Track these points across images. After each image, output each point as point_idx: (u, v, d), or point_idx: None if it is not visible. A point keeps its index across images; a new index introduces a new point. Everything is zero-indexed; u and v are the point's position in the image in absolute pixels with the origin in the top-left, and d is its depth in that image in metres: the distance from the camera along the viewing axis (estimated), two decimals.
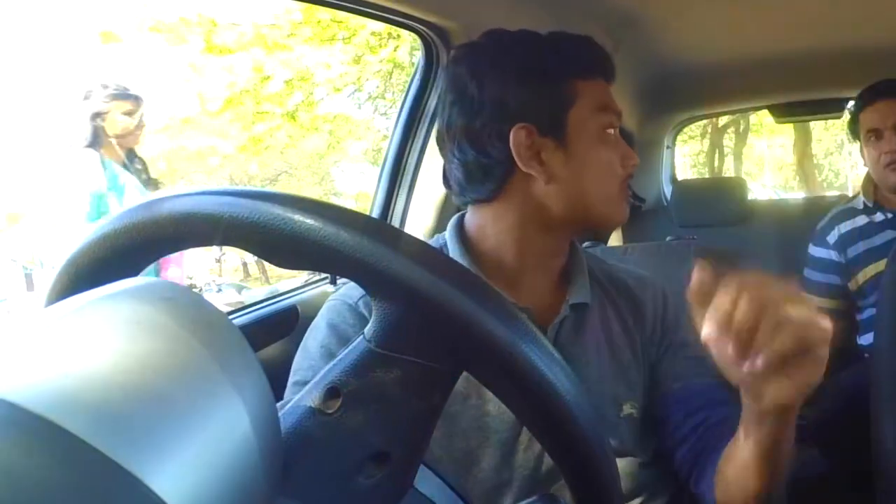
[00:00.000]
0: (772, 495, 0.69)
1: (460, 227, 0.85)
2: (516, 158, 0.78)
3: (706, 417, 0.79)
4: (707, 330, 0.53)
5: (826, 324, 0.54)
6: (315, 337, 0.78)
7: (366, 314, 0.77)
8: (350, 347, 0.38)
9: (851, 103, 1.79)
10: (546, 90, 0.79)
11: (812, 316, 0.54)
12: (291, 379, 0.75)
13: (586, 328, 0.83)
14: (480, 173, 0.81)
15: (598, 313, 0.85)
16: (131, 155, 2.21)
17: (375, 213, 1.43)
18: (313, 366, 0.75)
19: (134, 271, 0.37)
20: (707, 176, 10.34)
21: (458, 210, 0.89)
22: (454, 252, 0.83)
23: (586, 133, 0.80)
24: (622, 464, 0.81)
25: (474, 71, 0.80)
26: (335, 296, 0.82)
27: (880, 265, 1.56)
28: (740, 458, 0.67)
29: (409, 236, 0.36)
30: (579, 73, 0.81)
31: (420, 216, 1.45)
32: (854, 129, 1.73)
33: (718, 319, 0.53)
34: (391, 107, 6.26)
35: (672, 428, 0.82)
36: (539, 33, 0.83)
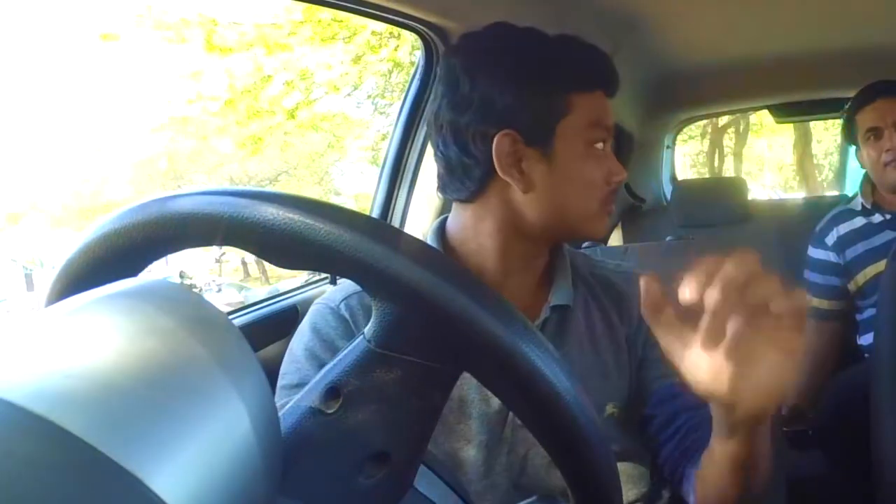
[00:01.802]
0: (756, 497, 0.69)
1: (442, 231, 0.85)
2: (496, 164, 0.77)
3: (689, 418, 0.78)
4: (665, 330, 0.52)
5: (801, 304, 0.51)
6: (300, 340, 0.78)
7: (347, 317, 0.78)
8: (350, 347, 0.38)
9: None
10: (538, 99, 0.77)
11: (791, 302, 0.50)
12: (280, 382, 0.76)
13: (569, 329, 0.82)
14: (461, 171, 0.80)
15: (581, 314, 0.84)
16: None
17: (375, 213, 1.43)
18: (299, 369, 0.75)
19: (133, 271, 0.37)
20: (707, 176, 10.34)
21: None
22: None
23: (573, 147, 0.78)
24: (623, 465, 0.81)
25: (468, 65, 0.78)
26: (319, 300, 0.82)
27: (880, 266, 1.56)
28: (716, 467, 0.66)
29: (409, 236, 0.36)
30: (577, 86, 0.78)
31: (420, 216, 1.45)
32: (849, 131, 1.72)
33: (688, 300, 0.49)
34: (390, 105, 6.26)
35: (657, 427, 0.81)
36: (546, 34, 0.81)
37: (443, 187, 0.83)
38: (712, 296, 0.48)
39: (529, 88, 0.77)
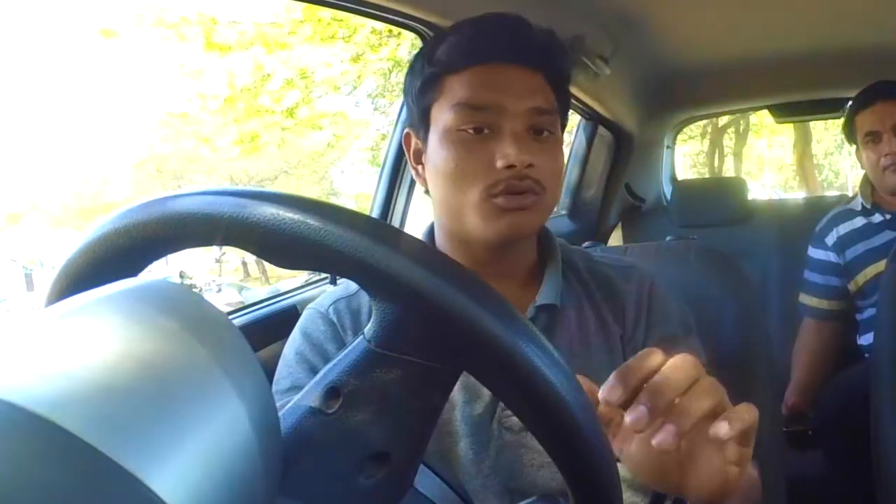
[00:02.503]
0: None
1: (431, 235, 0.84)
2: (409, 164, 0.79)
3: None
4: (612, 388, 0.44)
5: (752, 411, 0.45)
6: (291, 345, 0.79)
7: (335, 320, 0.79)
8: (350, 347, 0.38)
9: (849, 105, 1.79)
10: (417, 88, 0.76)
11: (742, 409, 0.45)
12: (273, 387, 0.76)
13: (557, 329, 0.80)
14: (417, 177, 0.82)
15: (573, 313, 0.81)
16: None
17: (375, 213, 1.43)
18: (291, 373, 0.76)
19: (133, 271, 0.37)
20: (707, 176, 10.34)
21: None
22: None
23: (439, 133, 0.74)
24: (622, 469, 0.81)
25: (412, 63, 0.80)
26: (310, 305, 0.83)
27: (880, 266, 1.56)
28: None
29: (409, 236, 0.36)
30: (448, 66, 0.74)
31: (420, 216, 1.45)
32: (849, 131, 1.72)
33: (607, 406, 0.44)
34: (391, 105, 6.26)
35: None
36: (465, 21, 0.77)
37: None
38: (634, 414, 0.42)
39: (415, 78, 0.76)
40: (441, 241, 0.82)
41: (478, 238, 0.75)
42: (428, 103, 0.75)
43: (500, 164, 0.71)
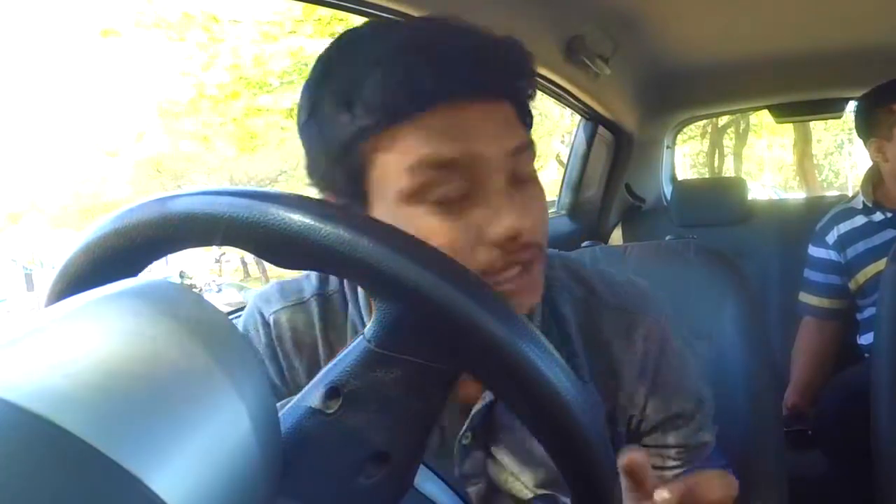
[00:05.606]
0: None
1: None
2: None
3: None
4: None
5: None
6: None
7: (273, 336, 0.75)
8: (350, 347, 0.38)
9: (852, 104, 1.77)
10: (337, 146, 0.52)
11: None
12: None
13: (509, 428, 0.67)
14: None
15: None
16: None
17: None
18: None
19: (133, 271, 0.37)
20: (707, 176, 10.34)
21: None
22: None
23: (388, 207, 0.52)
24: None
25: None
26: (256, 301, 0.81)
27: (880, 265, 1.56)
28: None
29: (409, 236, 0.36)
30: (395, 118, 0.51)
31: None
32: (867, 124, 1.64)
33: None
34: None
35: None
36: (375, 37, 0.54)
37: None
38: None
39: (328, 130, 0.53)
40: None
41: None
42: (360, 165, 0.52)
43: (498, 231, 0.52)
